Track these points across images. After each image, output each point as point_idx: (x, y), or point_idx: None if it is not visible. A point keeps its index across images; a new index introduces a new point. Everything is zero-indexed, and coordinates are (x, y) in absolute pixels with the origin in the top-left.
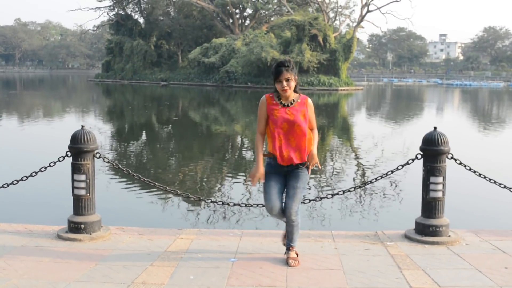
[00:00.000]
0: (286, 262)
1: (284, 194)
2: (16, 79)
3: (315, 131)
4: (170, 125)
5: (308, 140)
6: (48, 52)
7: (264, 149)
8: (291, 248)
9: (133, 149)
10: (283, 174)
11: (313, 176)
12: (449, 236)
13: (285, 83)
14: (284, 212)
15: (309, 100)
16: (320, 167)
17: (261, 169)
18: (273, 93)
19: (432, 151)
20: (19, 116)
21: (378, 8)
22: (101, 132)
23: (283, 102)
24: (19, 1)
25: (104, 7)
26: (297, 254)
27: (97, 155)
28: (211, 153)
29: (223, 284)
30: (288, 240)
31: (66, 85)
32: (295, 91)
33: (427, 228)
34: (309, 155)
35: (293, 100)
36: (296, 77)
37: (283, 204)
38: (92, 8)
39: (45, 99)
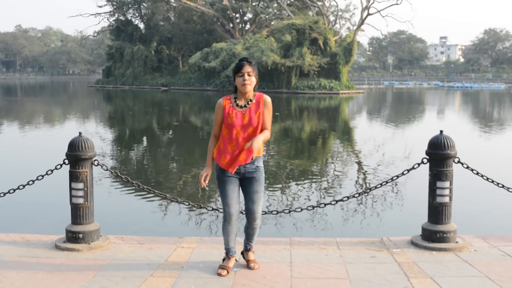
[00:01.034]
0: (248, 266)
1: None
2: (17, 86)
3: (268, 133)
4: (171, 130)
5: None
6: (49, 58)
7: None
8: (251, 249)
9: (133, 155)
10: (239, 176)
11: (315, 181)
12: (456, 242)
13: (246, 76)
14: (247, 217)
15: (265, 97)
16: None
17: (209, 171)
18: (231, 95)
19: (439, 155)
20: (19, 123)
21: (379, 11)
22: (101, 138)
23: (239, 104)
24: (19, 7)
25: (104, 12)
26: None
27: (95, 163)
28: None
29: None
30: (250, 241)
31: (67, 91)
32: (254, 90)
33: (434, 234)
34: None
35: (250, 100)
36: (257, 77)
37: (248, 209)
38: (92, 14)
39: (46, 105)
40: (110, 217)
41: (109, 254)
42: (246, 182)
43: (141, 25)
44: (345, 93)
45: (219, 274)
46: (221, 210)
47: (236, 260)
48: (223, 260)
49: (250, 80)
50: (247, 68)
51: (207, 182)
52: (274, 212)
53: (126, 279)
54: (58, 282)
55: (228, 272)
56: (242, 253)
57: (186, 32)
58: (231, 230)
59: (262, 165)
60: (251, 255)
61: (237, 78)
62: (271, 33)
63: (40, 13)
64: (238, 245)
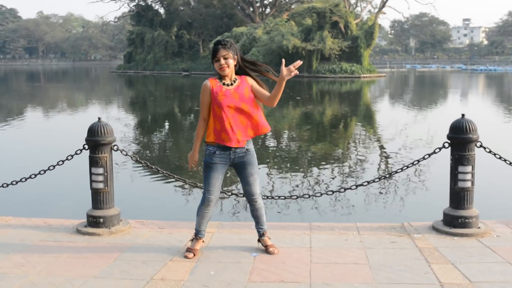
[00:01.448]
0: (267, 251)
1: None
2: (40, 72)
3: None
4: (192, 115)
5: (262, 112)
6: (71, 44)
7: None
8: (265, 233)
9: (155, 140)
10: (229, 163)
11: (336, 166)
12: (479, 227)
13: (222, 61)
14: (248, 199)
15: (247, 77)
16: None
17: (196, 156)
18: (215, 76)
19: (460, 139)
20: (42, 108)
21: None
22: (123, 123)
23: (226, 83)
24: None
25: None
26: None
27: (115, 148)
28: None
29: (245, 280)
30: (261, 224)
31: (89, 76)
32: (237, 73)
33: (455, 219)
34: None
35: (236, 79)
36: (237, 56)
37: (246, 192)
38: (112, 0)
39: (69, 91)
40: (131, 202)
41: (130, 238)
42: (239, 167)
43: (161, 10)
44: (366, 77)
45: (186, 257)
46: (241, 195)
47: (203, 241)
48: (191, 241)
49: (227, 62)
50: (222, 52)
51: (194, 167)
52: (294, 197)
53: (146, 263)
54: (79, 265)
55: (194, 255)
56: (258, 240)
57: (206, 17)
58: (206, 214)
59: (253, 147)
60: (267, 240)
61: (215, 63)
62: (291, 17)
63: (61, 0)
64: (253, 229)
